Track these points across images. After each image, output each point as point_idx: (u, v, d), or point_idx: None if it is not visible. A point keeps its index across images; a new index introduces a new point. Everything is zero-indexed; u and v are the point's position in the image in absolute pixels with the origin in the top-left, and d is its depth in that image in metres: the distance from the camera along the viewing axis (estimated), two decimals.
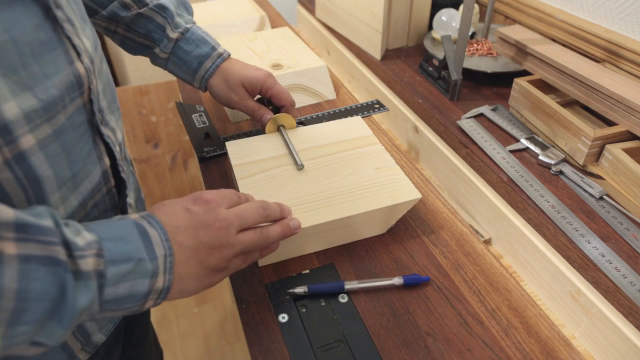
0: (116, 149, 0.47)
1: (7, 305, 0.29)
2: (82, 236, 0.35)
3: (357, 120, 0.69)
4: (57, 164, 0.39)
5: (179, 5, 0.71)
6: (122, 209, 0.51)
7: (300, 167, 0.60)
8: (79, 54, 0.40)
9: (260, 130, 0.77)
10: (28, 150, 0.36)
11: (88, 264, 0.34)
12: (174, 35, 0.66)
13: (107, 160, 0.47)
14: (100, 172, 0.46)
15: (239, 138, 0.68)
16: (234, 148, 0.64)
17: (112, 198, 0.49)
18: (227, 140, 0.75)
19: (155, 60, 0.70)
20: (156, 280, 0.38)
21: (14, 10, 0.34)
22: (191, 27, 0.69)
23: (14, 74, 0.34)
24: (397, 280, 0.52)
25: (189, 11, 0.73)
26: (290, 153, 0.62)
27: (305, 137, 0.66)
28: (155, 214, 0.41)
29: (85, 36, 0.42)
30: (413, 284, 0.52)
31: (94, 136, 0.44)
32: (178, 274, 0.40)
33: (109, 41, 1.84)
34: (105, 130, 0.45)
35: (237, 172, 0.59)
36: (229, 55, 0.70)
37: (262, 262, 0.56)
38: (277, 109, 0.70)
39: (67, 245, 0.33)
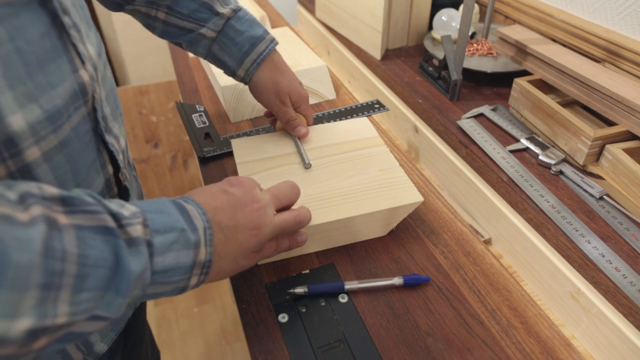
0: (119, 157, 0.47)
1: (71, 269, 0.29)
2: (126, 208, 0.35)
3: (363, 121, 0.69)
4: (62, 175, 0.38)
5: None
6: None
7: (307, 166, 0.60)
8: (83, 62, 0.39)
9: (261, 130, 0.77)
10: (33, 163, 0.35)
11: (137, 230, 0.34)
12: (224, 10, 0.60)
13: (110, 169, 0.46)
14: (104, 180, 0.45)
15: (239, 138, 0.68)
16: (239, 146, 0.64)
17: None
18: (227, 140, 0.75)
19: (197, 44, 0.62)
20: (199, 252, 0.38)
21: (22, 17, 0.33)
22: (241, 8, 0.63)
23: (20, 85, 0.33)
24: (397, 280, 0.52)
25: None
26: (299, 152, 0.62)
27: (310, 136, 0.66)
28: (192, 196, 0.42)
29: (90, 42, 0.42)
30: (413, 284, 0.52)
31: (98, 145, 0.43)
32: (217, 253, 0.40)
33: (109, 41, 1.84)
34: (109, 138, 0.44)
35: (241, 170, 0.60)
36: (273, 48, 0.64)
37: (262, 261, 0.56)
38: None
39: (114, 215, 0.34)
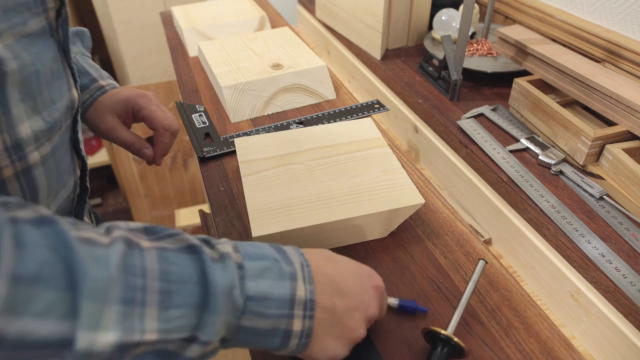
0: (87, 162, 0.53)
1: (153, 285, 0.29)
2: (216, 239, 0.36)
3: (366, 122, 0.69)
4: (51, 176, 0.44)
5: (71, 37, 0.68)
6: (77, 215, 0.54)
7: None
8: (75, 82, 0.47)
9: (261, 130, 0.77)
10: (33, 165, 0.41)
11: (226, 248, 0.34)
12: None
13: (78, 172, 0.51)
14: (73, 182, 0.50)
15: (239, 138, 0.68)
16: (242, 145, 0.64)
17: (73, 205, 0.53)
18: (227, 140, 0.75)
19: None
20: (297, 286, 0.36)
21: (38, 45, 0.40)
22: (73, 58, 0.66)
23: (31, 100, 0.39)
24: (392, 302, 0.50)
25: (85, 41, 0.70)
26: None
27: (313, 136, 0.66)
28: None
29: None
30: (407, 312, 0.50)
31: (71, 151, 0.50)
32: (319, 312, 0.37)
33: (109, 41, 1.84)
34: (80, 145, 0.51)
35: (243, 169, 0.60)
36: (114, 87, 0.65)
37: None
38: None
39: (204, 240, 0.35)
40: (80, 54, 0.67)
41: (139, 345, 0.29)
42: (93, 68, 0.66)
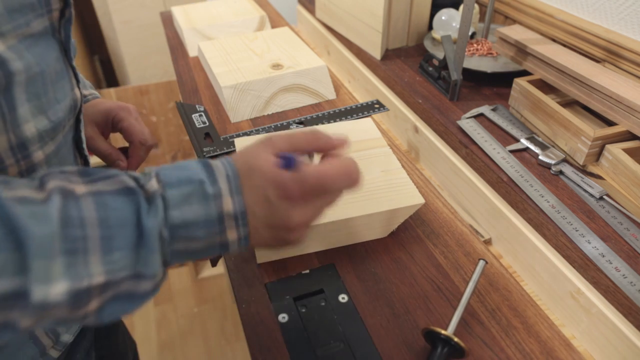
0: (90, 161, 0.54)
1: (93, 233, 0.31)
2: (145, 170, 0.37)
3: (367, 122, 0.69)
4: None
5: None
6: None
7: None
8: (77, 82, 0.48)
9: (261, 130, 0.77)
10: (37, 164, 0.42)
11: (153, 185, 0.35)
12: None
13: None
14: None
15: (239, 138, 0.68)
16: (242, 145, 0.64)
17: None
18: (227, 140, 0.75)
19: None
20: (222, 202, 0.36)
21: (41, 45, 0.40)
22: None
23: (37, 100, 0.40)
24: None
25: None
26: None
27: None
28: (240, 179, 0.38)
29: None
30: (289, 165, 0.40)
31: (74, 150, 0.50)
32: (250, 208, 0.38)
33: (109, 41, 1.84)
34: (83, 144, 0.51)
35: None
36: (96, 97, 0.65)
37: (262, 260, 0.56)
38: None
39: (133, 177, 0.35)
40: None
41: (90, 291, 0.31)
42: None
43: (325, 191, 0.40)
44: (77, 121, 0.50)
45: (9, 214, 0.28)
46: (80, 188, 0.32)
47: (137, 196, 0.34)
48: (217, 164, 0.38)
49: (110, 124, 0.65)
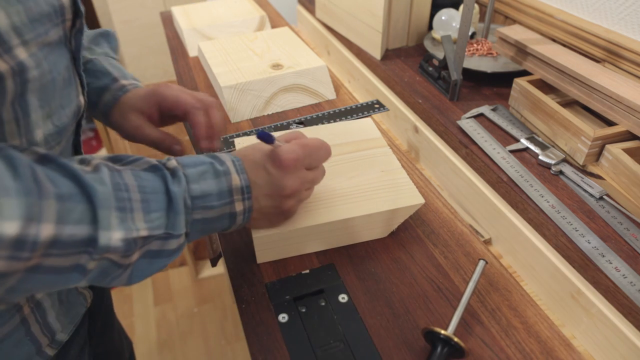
0: None
1: (135, 197, 0.38)
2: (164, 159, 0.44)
3: (367, 122, 0.69)
4: None
5: (95, 38, 0.67)
6: None
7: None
8: (83, 88, 0.50)
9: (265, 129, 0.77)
10: None
11: (173, 163, 0.43)
12: None
13: None
14: None
15: (239, 138, 0.68)
16: (242, 145, 0.64)
17: None
18: (227, 140, 0.75)
19: None
20: (231, 178, 0.45)
21: (55, 53, 0.43)
22: (94, 59, 0.63)
23: (47, 106, 0.43)
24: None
25: (111, 42, 0.69)
26: None
27: (313, 136, 0.66)
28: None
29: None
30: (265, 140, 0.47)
31: (72, 153, 0.53)
32: (253, 184, 0.46)
33: None
34: (81, 147, 0.54)
35: None
36: (137, 86, 0.63)
37: (262, 260, 0.56)
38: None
39: (158, 161, 0.43)
40: (104, 55, 0.66)
41: (136, 242, 0.38)
42: (115, 68, 0.64)
43: (311, 160, 0.49)
44: (78, 126, 0.51)
45: (80, 176, 0.35)
46: (117, 166, 0.39)
47: (163, 171, 0.41)
48: (220, 154, 0.47)
49: (155, 106, 0.61)
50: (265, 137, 0.46)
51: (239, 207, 0.45)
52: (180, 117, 0.63)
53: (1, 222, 0.30)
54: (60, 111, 0.45)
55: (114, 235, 0.36)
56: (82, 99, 0.50)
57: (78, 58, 0.48)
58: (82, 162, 0.38)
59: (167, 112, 0.62)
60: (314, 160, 0.50)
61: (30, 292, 0.36)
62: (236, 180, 0.45)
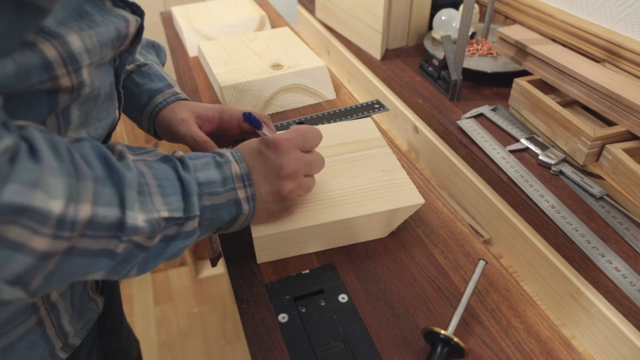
0: None
1: (152, 182, 0.40)
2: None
3: (366, 122, 0.69)
4: None
5: (146, 47, 0.70)
6: None
7: None
8: (120, 103, 0.52)
9: None
10: None
11: (180, 153, 0.46)
12: (128, 67, 0.64)
13: None
14: None
15: None
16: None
17: None
18: None
19: None
20: (231, 167, 0.47)
21: (104, 71, 0.46)
22: (150, 63, 0.67)
23: (85, 117, 0.45)
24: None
25: (161, 55, 0.73)
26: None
27: None
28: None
29: None
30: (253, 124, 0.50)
31: None
32: (253, 177, 0.48)
33: None
34: None
35: None
36: (185, 98, 0.65)
37: (262, 260, 0.56)
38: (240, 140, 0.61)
39: (167, 153, 0.45)
40: (156, 63, 0.70)
41: (159, 222, 0.40)
42: (169, 77, 0.68)
43: (303, 140, 0.51)
44: (107, 137, 0.53)
45: (110, 159, 0.37)
46: (131, 157, 0.41)
47: (173, 161, 0.44)
48: (219, 149, 0.49)
49: (217, 113, 0.63)
50: (251, 120, 0.49)
51: (241, 194, 0.47)
52: (225, 140, 0.66)
53: (49, 200, 0.31)
54: (97, 123, 0.47)
55: (139, 216, 0.38)
56: (117, 113, 0.52)
57: (119, 75, 0.51)
58: (107, 148, 0.40)
59: (225, 126, 0.64)
60: (307, 141, 0.51)
61: (63, 282, 0.36)
62: (236, 168, 0.47)
